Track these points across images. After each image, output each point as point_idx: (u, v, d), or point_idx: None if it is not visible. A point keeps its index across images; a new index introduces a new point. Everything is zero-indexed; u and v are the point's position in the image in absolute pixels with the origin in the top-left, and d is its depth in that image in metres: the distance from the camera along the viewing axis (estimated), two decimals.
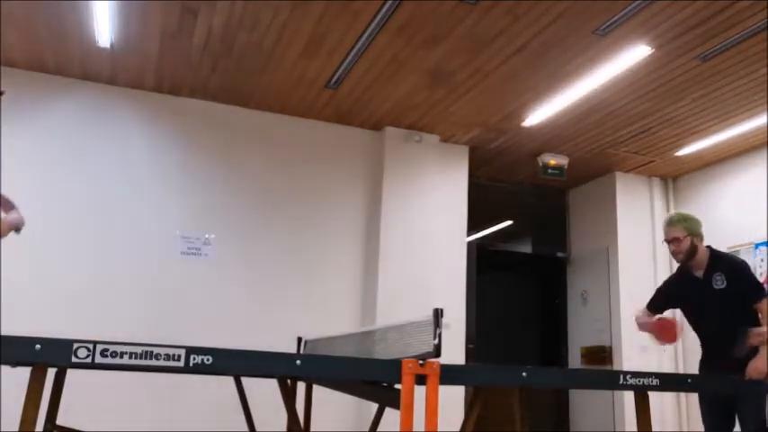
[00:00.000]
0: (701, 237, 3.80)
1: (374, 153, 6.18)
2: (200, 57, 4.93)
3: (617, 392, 6.54)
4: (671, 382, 2.92)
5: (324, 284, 5.80)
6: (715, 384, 3.31)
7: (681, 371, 6.66)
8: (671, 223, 3.80)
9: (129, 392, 4.95)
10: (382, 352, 2.73)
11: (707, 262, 3.77)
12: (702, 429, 3.86)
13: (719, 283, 3.67)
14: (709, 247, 3.82)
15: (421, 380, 2.08)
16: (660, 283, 6.82)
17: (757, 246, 6.14)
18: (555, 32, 4.41)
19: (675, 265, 6.91)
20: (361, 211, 6.08)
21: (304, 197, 5.90)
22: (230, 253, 5.56)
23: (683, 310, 4.00)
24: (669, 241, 3.78)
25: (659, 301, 4.03)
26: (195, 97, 5.66)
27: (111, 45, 4.76)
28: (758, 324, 3.54)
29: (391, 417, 2.57)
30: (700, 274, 3.79)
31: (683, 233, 3.74)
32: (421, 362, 2.07)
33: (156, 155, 5.51)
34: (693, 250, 3.74)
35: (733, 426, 3.72)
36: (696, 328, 3.91)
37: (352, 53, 4.77)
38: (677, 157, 6.63)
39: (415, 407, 2.04)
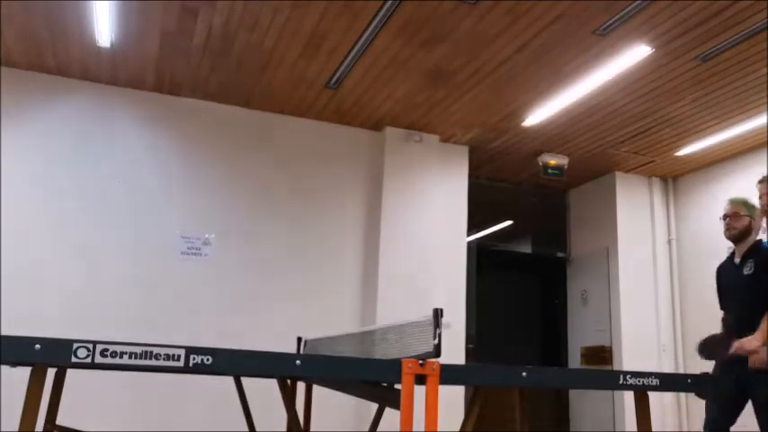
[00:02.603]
0: (758, 224, 3.90)
1: (374, 153, 6.18)
2: (200, 56, 4.93)
3: (617, 392, 6.54)
4: (671, 382, 2.92)
5: (324, 284, 5.80)
6: (716, 385, 3.32)
7: (681, 371, 6.66)
8: (734, 201, 3.94)
9: (129, 392, 4.95)
10: (382, 352, 2.73)
11: (745, 251, 3.86)
12: (702, 429, 3.89)
13: (748, 269, 3.77)
14: (760, 240, 3.89)
15: (421, 380, 2.08)
16: (662, 283, 6.85)
17: None
18: (555, 32, 4.41)
19: (675, 265, 6.99)
20: (362, 211, 6.08)
21: (304, 197, 5.90)
22: (230, 253, 5.56)
23: (719, 298, 4.05)
24: (729, 216, 3.90)
25: (719, 297, 4.10)
26: (195, 97, 5.66)
27: (111, 45, 4.76)
28: None
29: (391, 417, 2.56)
30: (738, 261, 3.89)
31: (743, 211, 3.88)
32: (421, 362, 2.07)
33: (156, 155, 5.51)
34: (747, 232, 3.86)
35: (736, 416, 3.75)
36: (725, 315, 3.97)
37: (352, 53, 4.77)
38: (677, 157, 6.63)
39: (415, 407, 2.04)
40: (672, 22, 4.25)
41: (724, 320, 4.06)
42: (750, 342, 3.50)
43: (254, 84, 5.36)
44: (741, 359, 3.61)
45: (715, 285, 4.17)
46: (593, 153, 6.63)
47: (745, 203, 3.91)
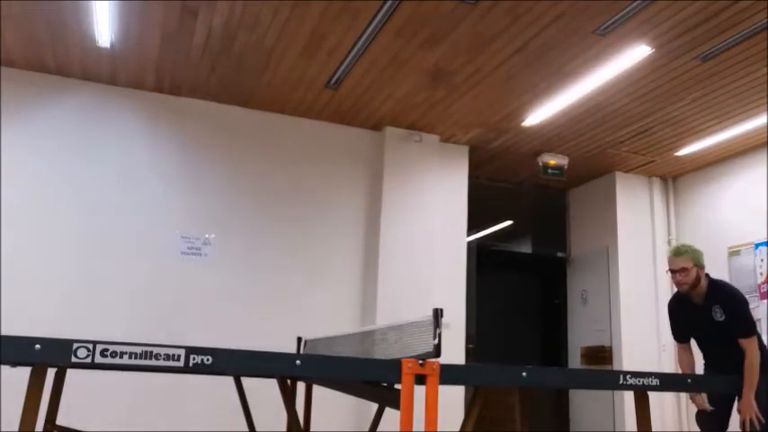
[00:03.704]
0: (703, 268, 3.82)
1: (374, 153, 6.18)
2: (200, 56, 4.93)
3: (617, 392, 6.54)
4: (671, 382, 2.93)
5: (324, 284, 5.80)
6: (714, 384, 3.33)
7: (680, 370, 6.66)
8: (678, 253, 3.81)
9: (129, 392, 4.95)
10: (382, 352, 2.73)
11: (706, 291, 3.81)
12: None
13: (719, 315, 3.74)
14: (707, 275, 3.85)
15: (421, 380, 2.08)
16: (661, 283, 6.85)
17: (757, 246, 6.14)
18: (555, 32, 4.41)
19: None
20: (362, 211, 6.07)
21: (304, 197, 5.90)
22: (230, 253, 5.56)
23: (680, 330, 4.08)
24: (676, 271, 3.79)
25: (679, 331, 4.10)
26: (195, 97, 5.66)
27: (111, 45, 4.76)
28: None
29: (391, 417, 2.57)
30: (699, 301, 3.84)
31: (690, 264, 3.75)
32: (421, 362, 2.07)
33: (156, 155, 5.51)
34: (698, 281, 3.78)
35: (727, 424, 3.83)
36: (699, 346, 4.01)
37: (352, 53, 4.77)
38: (677, 157, 6.63)
39: (415, 407, 2.04)
40: (672, 22, 4.25)
41: (685, 349, 4.06)
42: (752, 405, 3.52)
43: (254, 84, 5.36)
44: (724, 368, 3.71)
45: (670, 320, 4.14)
46: (593, 153, 6.63)
47: (689, 253, 3.78)
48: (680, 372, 4.20)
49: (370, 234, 6.01)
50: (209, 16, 4.37)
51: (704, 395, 3.84)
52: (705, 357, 4.02)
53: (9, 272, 4.90)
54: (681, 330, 4.06)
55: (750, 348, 3.61)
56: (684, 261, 3.76)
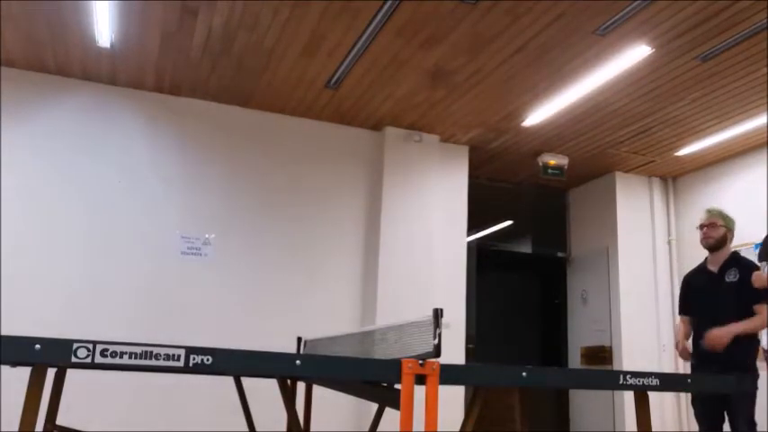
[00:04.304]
0: (732, 235, 4.08)
1: (374, 153, 6.18)
2: (200, 56, 4.93)
3: (617, 392, 6.54)
4: (671, 382, 2.92)
5: (324, 284, 5.80)
6: (714, 385, 3.33)
7: (681, 371, 6.66)
8: (712, 212, 4.10)
9: (129, 392, 4.95)
10: (382, 352, 2.73)
11: (726, 259, 4.00)
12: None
13: (732, 276, 3.89)
14: (736, 250, 4.03)
15: (421, 380, 2.08)
16: (662, 283, 6.88)
17: (757, 246, 6.12)
18: (555, 32, 4.41)
19: (675, 265, 7.00)
20: (361, 212, 6.08)
21: (304, 197, 5.90)
22: (230, 253, 5.56)
23: (692, 304, 4.14)
24: (706, 225, 4.04)
25: (685, 302, 4.19)
26: (195, 97, 5.66)
27: (111, 45, 4.76)
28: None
29: (391, 417, 2.56)
30: (715, 269, 3.99)
31: (720, 221, 4.03)
32: (421, 362, 2.07)
33: (156, 155, 5.51)
34: (723, 242, 4.02)
35: (723, 422, 3.86)
36: (697, 324, 4.04)
37: (352, 53, 4.77)
38: (677, 157, 6.63)
39: (415, 407, 2.04)
40: (672, 22, 4.25)
41: (686, 323, 4.13)
42: (725, 339, 3.66)
43: (254, 84, 5.36)
44: (717, 362, 3.75)
45: (680, 291, 4.27)
46: (593, 153, 6.63)
47: (721, 214, 4.08)
48: (677, 355, 4.29)
49: (370, 234, 6.01)
50: (209, 16, 4.37)
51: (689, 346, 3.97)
52: (700, 333, 4.01)
53: (9, 272, 4.89)
54: (687, 301, 4.17)
55: (761, 313, 3.71)
56: (715, 218, 4.04)
